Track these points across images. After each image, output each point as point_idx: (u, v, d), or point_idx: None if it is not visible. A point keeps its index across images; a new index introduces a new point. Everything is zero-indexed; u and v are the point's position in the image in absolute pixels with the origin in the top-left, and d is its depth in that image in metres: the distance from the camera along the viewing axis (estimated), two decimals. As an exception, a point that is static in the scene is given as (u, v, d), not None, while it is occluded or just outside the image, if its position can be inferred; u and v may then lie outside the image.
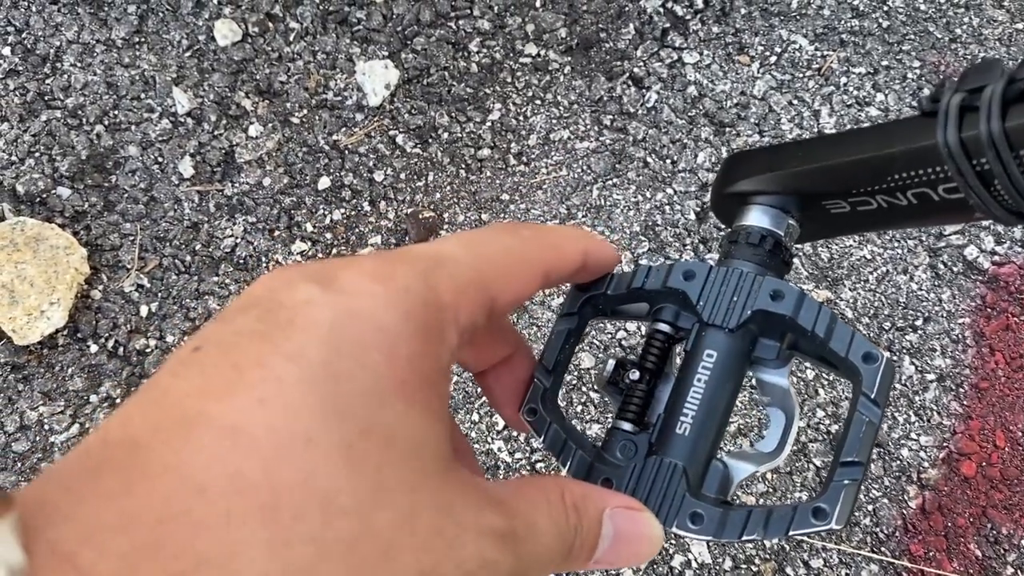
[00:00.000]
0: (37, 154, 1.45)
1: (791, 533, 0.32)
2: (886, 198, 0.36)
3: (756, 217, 0.39)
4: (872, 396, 0.33)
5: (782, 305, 0.35)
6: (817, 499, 0.32)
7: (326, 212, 1.44)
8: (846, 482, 0.32)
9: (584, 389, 1.32)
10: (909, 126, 0.34)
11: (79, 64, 1.51)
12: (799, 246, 1.37)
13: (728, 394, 0.36)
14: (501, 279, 0.28)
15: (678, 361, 0.38)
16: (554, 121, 1.50)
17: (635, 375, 0.37)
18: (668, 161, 1.46)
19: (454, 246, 0.28)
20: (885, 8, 1.55)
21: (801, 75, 1.50)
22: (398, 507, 0.21)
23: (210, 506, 0.19)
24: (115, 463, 0.20)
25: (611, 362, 0.38)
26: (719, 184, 0.41)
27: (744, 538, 0.32)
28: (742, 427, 1.30)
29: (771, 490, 1.27)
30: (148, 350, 1.36)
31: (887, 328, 1.36)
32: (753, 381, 0.38)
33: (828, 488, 0.32)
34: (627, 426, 0.37)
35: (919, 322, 1.36)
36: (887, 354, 0.33)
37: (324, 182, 1.45)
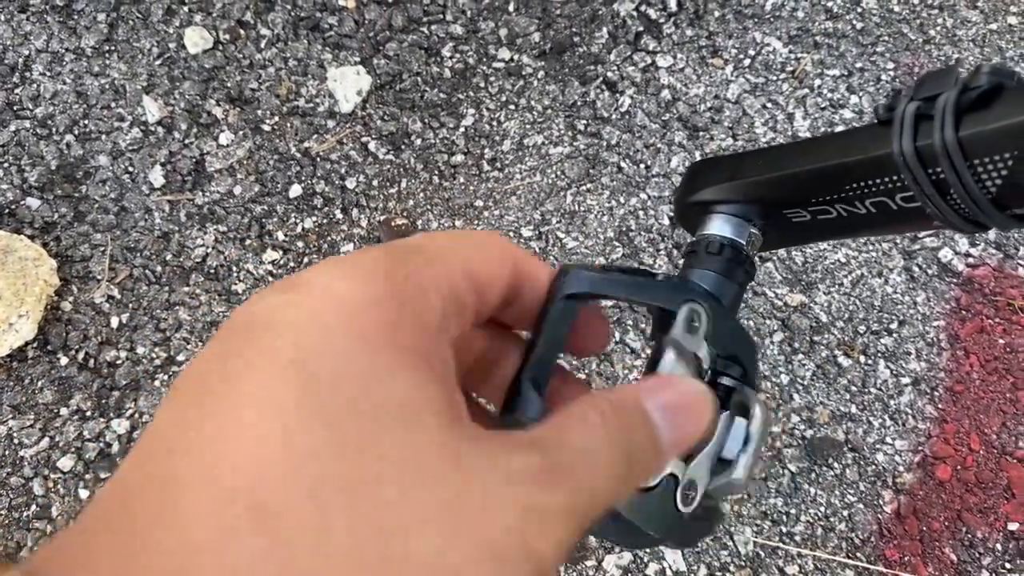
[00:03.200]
0: (6, 164, 1.43)
1: None
2: (845, 207, 0.36)
3: (718, 226, 0.39)
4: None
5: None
6: None
7: (298, 220, 1.43)
8: None
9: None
10: (866, 135, 0.34)
11: (48, 73, 1.49)
12: (765, 253, 1.37)
13: None
14: (470, 250, 0.27)
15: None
16: (528, 126, 1.49)
17: None
18: (642, 166, 1.45)
19: (417, 236, 0.27)
20: (859, 10, 1.55)
21: (775, 78, 1.50)
22: (404, 476, 0.19)
23: (202, 526, 0.18)
24: (108, 521, 0.19)
25: None
26: (682, 193, 0.41)
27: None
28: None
29: (746, 496, 1.27)
30: (119, 362, 1.35)
31: (862, 332, 1.35)
32: None
33: None
34: None
35: (894, 325, 1.36)
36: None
37: (295, 190, 1.44)
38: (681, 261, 0.40)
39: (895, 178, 0.33)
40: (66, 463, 1.29)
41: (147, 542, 0.18)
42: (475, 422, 0.23)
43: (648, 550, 1.23)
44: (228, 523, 0.18)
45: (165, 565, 0.18)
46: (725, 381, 0.36)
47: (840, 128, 1.46)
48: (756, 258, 0.40)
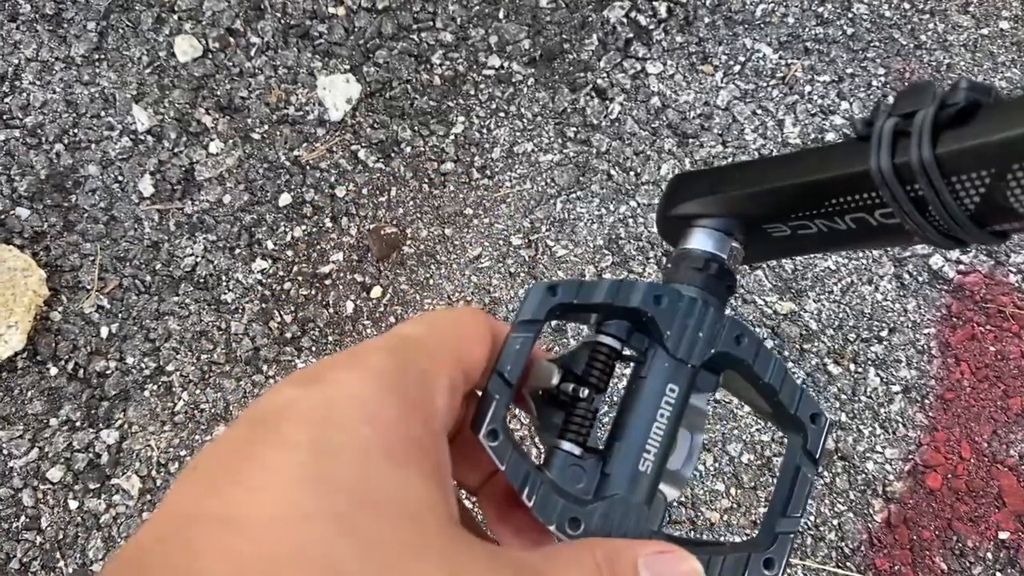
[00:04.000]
0: (-5, 174, 1.43)
1: None
2: (825, 222, 0.35)
3: (700, 240, 0.39)
4: (816, 456, 0.34)
5: (743, 350, 0.35)
6: (766, 550, 0.33)
7: (287, 229, 1.43)
8: (791, 535, 0.34)
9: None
10: (845, 151, 0.34)
11: (38, 82, 1.49)
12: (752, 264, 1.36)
13: (678, 426, 0.36)
14: (461, 340, 0.30)
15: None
16: (518, 134, 1.49)
17: (583, 392, 0.36)
18: (632, 173, 1.45)
19: (411, 326, 0.29)
20: (849, 15, 1.54)
21: (765, 84, 1.49)
22: (403, 569, 0.21)
23: None
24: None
25: (558, 374, 0.36)
26: (663, 206, 0.41)
27: None
28: (705, 442, 1.29)
29: (735, 505, 1.26)
30: (108, 372, 1.35)
31: (852, 339, 1.35)
32: None
33: (775, 541, 0.33)
34: (574, 449, 0.35)
35: (884, 333, 1.36)
36: (827, 416, 0.35)
37: (285, 198, 1.44)
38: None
39: (874, 195, 0.33)
40: (55, 474, 1.29)
41: None
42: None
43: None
44: None
45: None
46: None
47: (830, 135, 1.45)
48: (738, 271, 0.40)
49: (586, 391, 0.36)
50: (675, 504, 1.24)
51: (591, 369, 0.36)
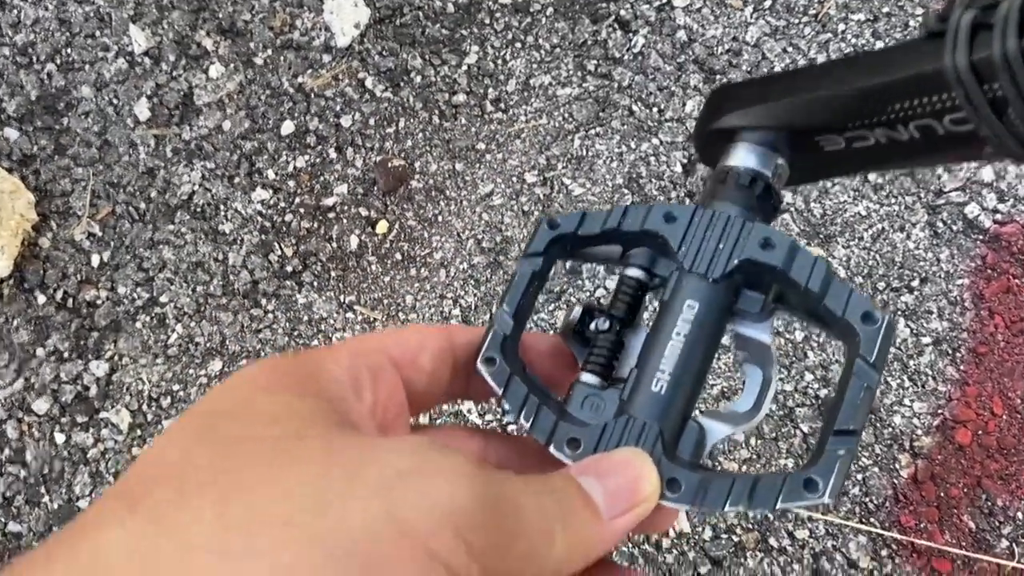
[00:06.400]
0: (-17, 93, 1.36)
1: (780, 506, 0.29)
2: (886, 132, 0.33)
3: (742, 156, 0.36)
4: (871, 360, 0.30)
5: (773, 255, 0.33)
6: (808, 469, 0.30)
7: (289, 159, 1.35)
8: (840, 452, 0.30)
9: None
10: (913, 49, 0.31)
11: (30, -1, 1.41)
12: (790, 199, 1.30)
13: (709, 349, 0.33)
14: (382, 334, 0.32)
15: (650, 311, 0.35)
16: (535, 66, 1.41)
17: (604, 324, 0.35)
18: (655, 109, 1.37)
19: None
20: (888, -49, 1.46)
21: (797, 21, 1.42)
22: (235, 453, 0.24)
23: (91, 521, 0.23)
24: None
25: (578, 308, 0.36)
26: (703, 119, 0.38)
27: (727, 508, 0.30)
28: (725, 390, 1.23)
29: (755, 456, 1.21)
30: (99, 301, 1.28)
31: (882, 288, 1.29)
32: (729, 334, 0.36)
33: (821, 458, 0.30)
34: (593, 379, 0.34)
35: (915, 283, 1.29)
36: (888, 314, 0.29)
37: (288, 127, 1.37)
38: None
39: (944, 97, 0.30)
40: (41, 405, 1.23)
41: (60, 553, 0.23)
42: None
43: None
44: (106, 514, 0.23)
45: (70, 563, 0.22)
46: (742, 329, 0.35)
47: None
48: (783, 191, 0.37)
49: (607, 323, 0.35)
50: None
51: (615, 302, 0.36)
